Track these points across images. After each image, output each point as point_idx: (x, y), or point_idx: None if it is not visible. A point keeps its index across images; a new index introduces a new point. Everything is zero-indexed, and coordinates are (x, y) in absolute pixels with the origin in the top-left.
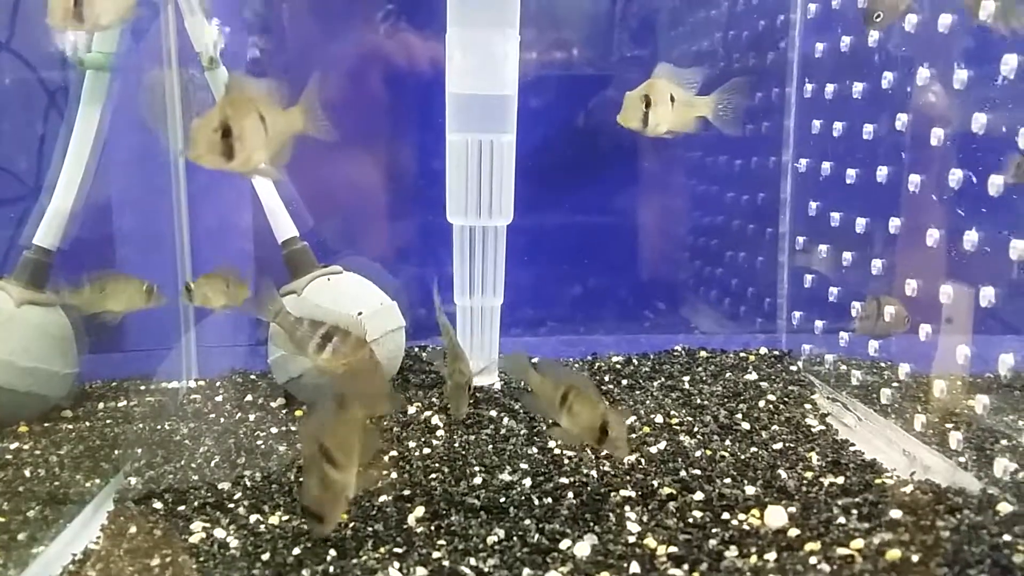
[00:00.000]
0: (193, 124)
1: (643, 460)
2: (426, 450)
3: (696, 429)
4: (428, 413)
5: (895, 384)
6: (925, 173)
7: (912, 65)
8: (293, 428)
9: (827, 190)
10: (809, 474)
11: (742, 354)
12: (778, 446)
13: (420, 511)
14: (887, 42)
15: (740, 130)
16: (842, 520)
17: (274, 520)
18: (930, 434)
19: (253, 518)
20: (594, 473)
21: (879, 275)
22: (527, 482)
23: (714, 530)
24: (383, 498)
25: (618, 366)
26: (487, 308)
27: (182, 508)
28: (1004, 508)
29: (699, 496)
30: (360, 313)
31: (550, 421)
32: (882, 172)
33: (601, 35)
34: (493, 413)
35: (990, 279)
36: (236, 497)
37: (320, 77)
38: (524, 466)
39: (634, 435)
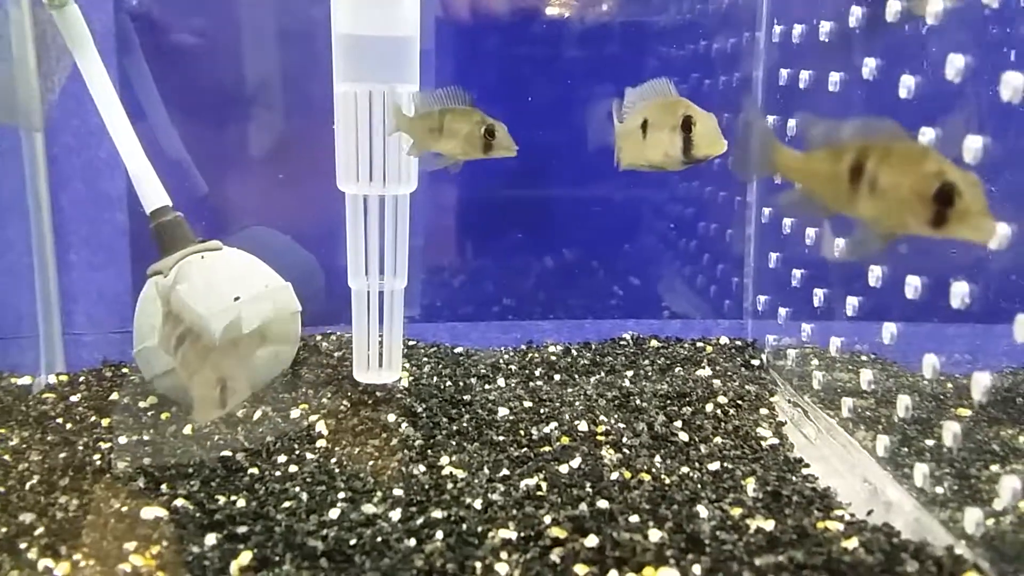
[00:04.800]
0: None
1: (544, 484)
2: (293, 468)
3: (624, 440)
4: (315, 417)
5: (864, 390)
6: None
7: None
8: (147, 436)
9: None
10: (736, 511)
11: (699, 344)
12: (714, 466)
13: (247, 557)
14: None
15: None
16: None
17: (64, 568)
18: (895, 459)
19: (43, 564)
20: (478, 503)
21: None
22: (394, 515)
23: None
24: (210, 539)
25: (553, 357)
26: (387, 292)
27: None
28: None
29: (591, 542)
30: (237, 298)
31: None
32: None
33: None
34: (391, 418)
35: None
36: (37, 533)
37: None
38: (399, 492)
39: (548, 448)
